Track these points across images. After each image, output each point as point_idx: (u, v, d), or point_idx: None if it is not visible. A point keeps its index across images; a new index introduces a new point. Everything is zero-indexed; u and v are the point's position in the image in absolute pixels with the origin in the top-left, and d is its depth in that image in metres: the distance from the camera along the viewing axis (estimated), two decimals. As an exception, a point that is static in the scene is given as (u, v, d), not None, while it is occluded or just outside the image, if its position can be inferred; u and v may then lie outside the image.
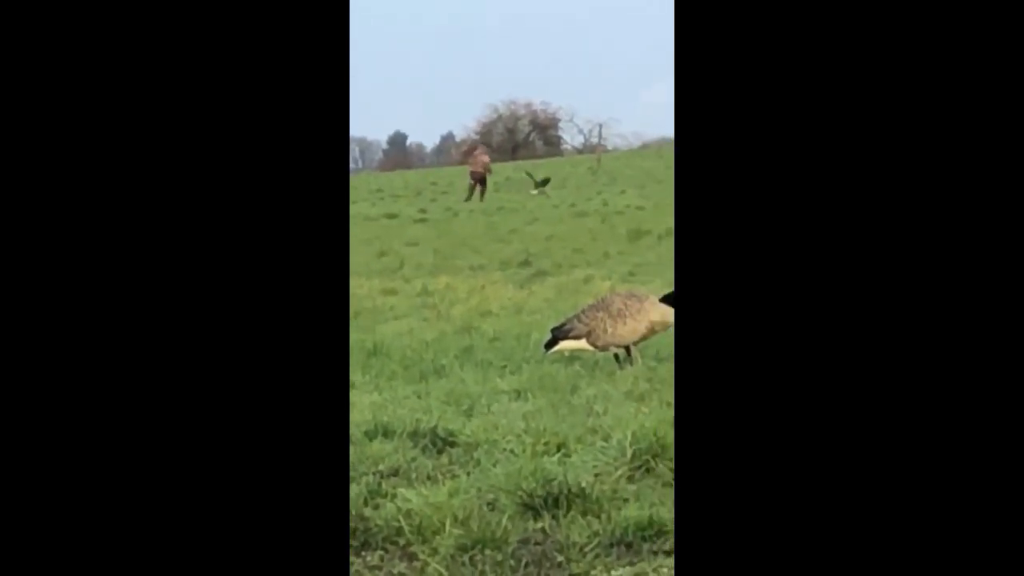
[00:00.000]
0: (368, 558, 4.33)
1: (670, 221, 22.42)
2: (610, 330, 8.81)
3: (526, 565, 4.15)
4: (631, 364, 8.74)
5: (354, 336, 8.85)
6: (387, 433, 6.04)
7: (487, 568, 4.18)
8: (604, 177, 43.98)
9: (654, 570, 4.04)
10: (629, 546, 4.30)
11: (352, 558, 4.29)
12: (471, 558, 4.27)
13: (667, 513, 4.47)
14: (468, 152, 40.41)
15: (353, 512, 4.55)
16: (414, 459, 5.64)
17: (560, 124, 78.70)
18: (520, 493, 4.70)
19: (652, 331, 8.92)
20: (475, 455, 5.66)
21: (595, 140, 67.20)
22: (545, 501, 4.63)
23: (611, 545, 4.30)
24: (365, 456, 5.64)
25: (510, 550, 4.28)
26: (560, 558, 4.21)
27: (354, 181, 48.68)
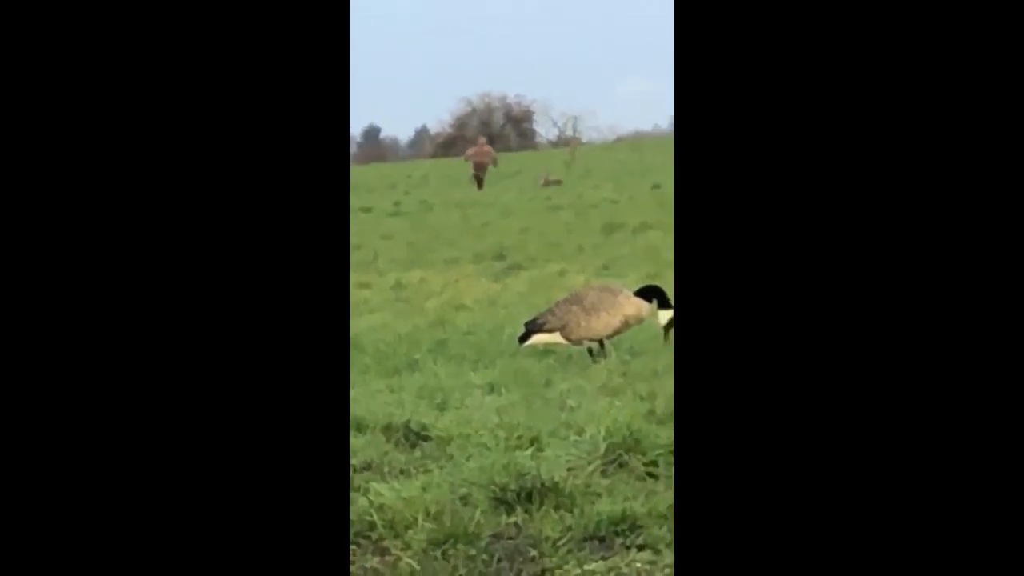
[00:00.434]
0: (340, 553, 4.32)
1: (645, 215, 22.46)
2: (584, 324, 8.81)
3: (499, 560, 4.15)
4: (605, 358, 8.75)
5: (327, 330, 8.82)
6: (360, 427, 6.03)
7: (459, 563, 4.17)
8: (579, 170, 43.99)
9: (627, 564, 4.04)
10: (602, 540, 4.30)
11: (324, 553, 4.27)
12: (444, 552, 4.26)
13: (640, 507, 4.47)
14: (473, 146, 40.68)
15: (325, 507, 4.54)
16: (387, 453, 5.63)
17: (534, 117, 78.72)
18: (493, 487, 4.69)
19: (626, 325, 8.93)
20: (448, 449, 5.65)
21: (570, 133, 67.26)
22: (518, 495, 4.63)
23: (584, 539, 4.30)
24: (338, 450, 5.62)
25: (483, 544, 4.28)
26: (533, 552, 4.21)
27: (328, 174, 48.35)
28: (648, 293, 9.04)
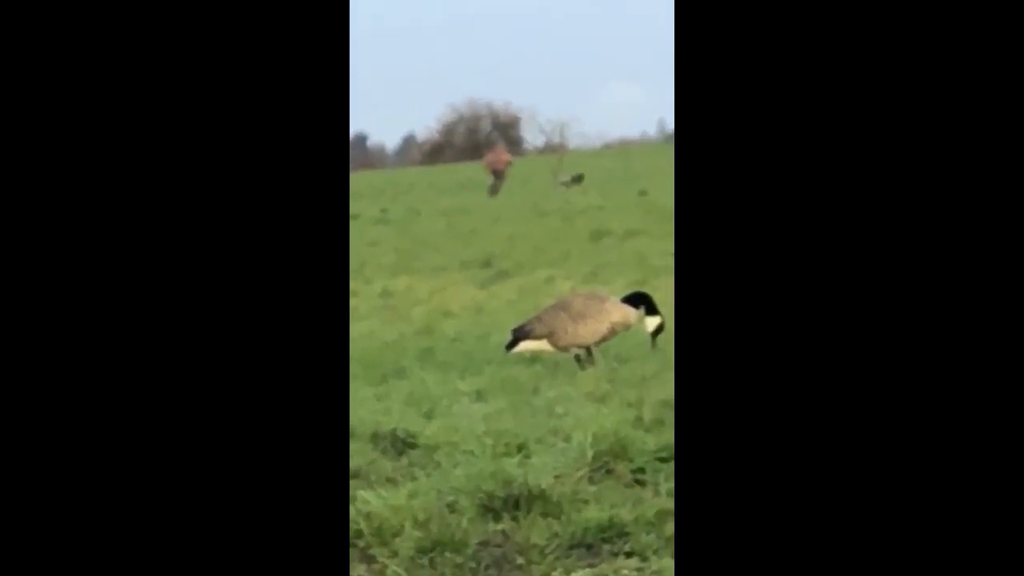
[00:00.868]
0: (327, 561, 4.31)
1: (632, 221, 22.48)
2: (571, 331, 8.81)
3: (486, 567, 4.14)
4: (592, 365, 8.75)
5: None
6: (347, 435, 6.02)
7: (447, 570, 4.17)
8: (566, 177, 44.01)
9: (614, 571, 4.04)
10: (589, 548, 4.29)
11: (311, 561, 4.26)
12: (431, 560, 4.25)
13: (627, 514, 4.47)
14: (488, 151, 40.99)
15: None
16: (374, 461, 5.62)
17: (521, 124, 78.67)
18: (480, 495, 4.69)
19: (613, 332, 8.93)
20: (435, 457, 5.65)
21: (557, 140, 67.25)
22: (505, 503, 4.63)
23: (571, 547, 4.30)
24: (325, 458, 5.61)
25: (470, 552, 4.27)
26: (520, 560, 4.21)
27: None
28: (635, 300, 9.04)
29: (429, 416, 6.76)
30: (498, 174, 38.06)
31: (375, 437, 5.98)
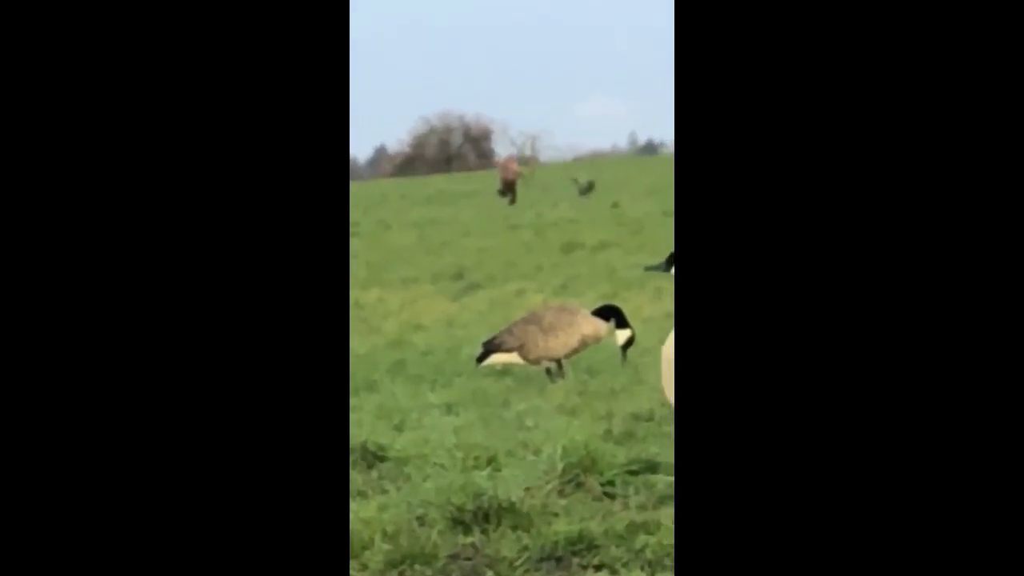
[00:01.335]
0: (297, 574, 4.29)
1: (603, 234, 22.50)
2: (542, 344, 8.82)
3: (456, 580, 4.14)
4: (562, 378, 8.76)
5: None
6: (317, 448, 6.00)
7: (416, 584, 4.17)
8: (537, 190, 44.05)
9: (584, 584, 4.05)
10: (559, 561, 4.30)
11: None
12: (401, 573, 4.25)
13: (597, 527, 4.48)
14: (503, 163, 41.18)
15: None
16: (344, 474, 5.61)
17: (493, 136, 78.75)
18: (450, 508, 4.69)
19: (584, 345, 8.95)
20: (405, 470, 5.65)
21: (528, 153, 67.35)
22: (475, 516, 4.63)
23: (541, 560, 4.30)
24: (295, 471, 5.59)
25: (440, 565, 4.28)
26: (490, 573, 4.21)
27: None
28: (606, 312, 9.06)
29: (399, 429, 6.76)
30: (507, 184, 38.22)
31: (345, 450, 5.97)
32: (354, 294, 15.38)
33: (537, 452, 5.63)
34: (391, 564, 4.28)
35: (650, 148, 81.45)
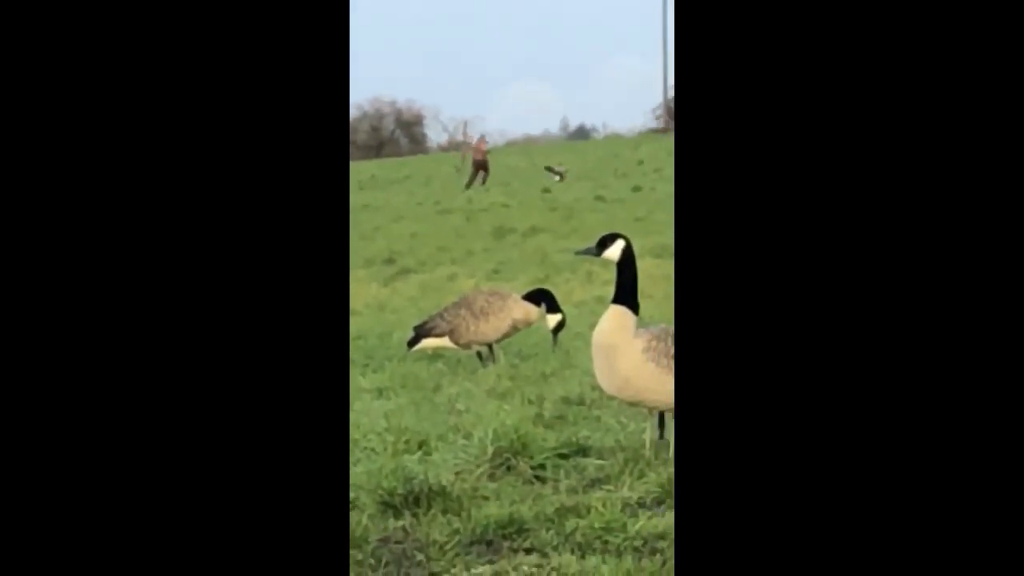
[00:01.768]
0: (225, 560, 4.27)
1: (535, 219, 22.54)
2: (473, 328, 8.82)
3: (386, 564, 4.13)
4: (493, 362, 8.77)
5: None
6: (247, 433, 5.96)
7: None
8: (468, 174, 44.03)
9: (514, 568, 4.04)
10: (489, 544, 4.29)
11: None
12: (330, 558, 4.23)
13: (527, 511, 4.48)
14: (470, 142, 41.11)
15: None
16: (274, 459, 5.58)
17: (425, 122, 78.62)
18: (380, 492, 4.67)
19: (515, 329, 8.96)
20: (336, 454, 5.62)
21: (460, 138, 67.28)
22: (406, 500, 4.62)
23: (471, 543, 4.30)
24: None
25: (370, 549, 4.26)
26: (420, 557, 4.20)
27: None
28: (537, 297, 9.07)
29: (330, 413, 6.72)
30: (479, 164, 38.21)
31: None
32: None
33: (468, 436, 5.62)
34: (321, 549, 4.26)
35: (582, 133, 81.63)
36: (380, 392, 7.49)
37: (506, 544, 4.28)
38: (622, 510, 4.46)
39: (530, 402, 6.77)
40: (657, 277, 13.29)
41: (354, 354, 9.16)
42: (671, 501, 4.60)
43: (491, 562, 4.12)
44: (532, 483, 5.03)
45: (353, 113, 78.85)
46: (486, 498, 4.74)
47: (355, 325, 10.92)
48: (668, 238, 17.64)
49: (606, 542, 4.19)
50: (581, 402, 6.75)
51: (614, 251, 5.37)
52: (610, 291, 5.41)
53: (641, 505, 4.63)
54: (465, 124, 67.86)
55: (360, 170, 44.42)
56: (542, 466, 5.16)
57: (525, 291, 9.38)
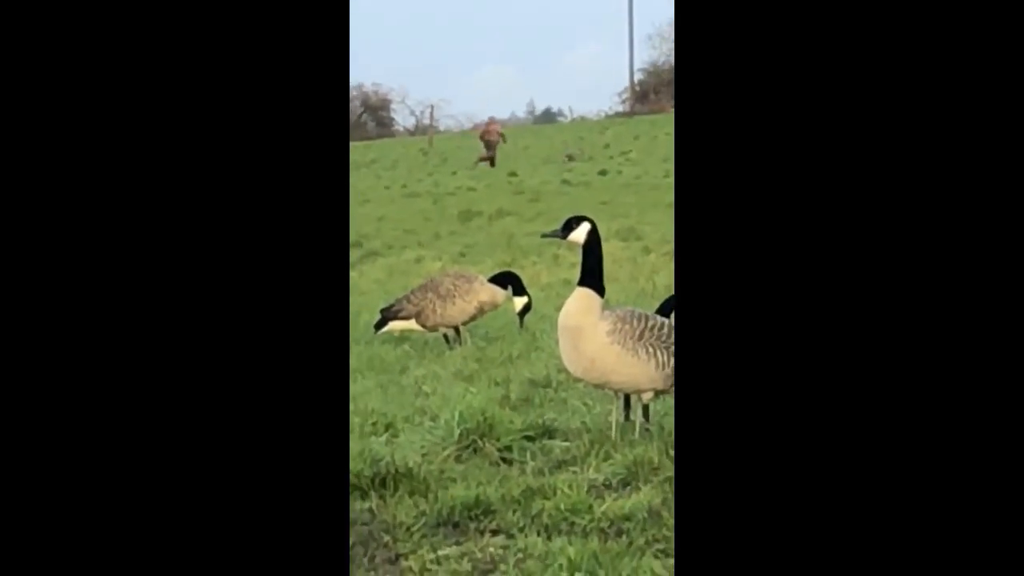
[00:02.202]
0: (192, 542, 4.27)
1: (501, 202, 22.54)
2: (439, 311, 8.83)
3: (353, 545, 4.14)
4: (460, 344, 8.78)
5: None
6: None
7: (313, 550, 4.15)
8: (436, 158, 43.96)
9: (480, 549, 4.06)
10: (456, 526, 4.31)
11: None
12: (297, 540, 4.23)
13: (494, 492, 4.49)
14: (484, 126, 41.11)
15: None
16: (240, 441, 5.57)
17: (392, 105, 78.37)
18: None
19: (481, 311, 8.97)
20: (302, 436, 5.62)
21: (427, 121, 67.18)
22: (372, 481, 4.62)
23: (438, 525, 4.31)
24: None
25: (336, 531, 4.26)
26: (387, 538, 4.20)
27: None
28: (503, 280, 9.09)
29: (296, 396, 6.71)
30: (490, 145, 38.28)
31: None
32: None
33: (434, 418, 5.63)
34: (287, 530, 4.26)
35: (548, 116, 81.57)
36: (347, 374, 7.49)
37: (472, 526, 4.29)
38: (588, 492, 4.48)
39: (496, 384, 6.79)
40: (623, 260, 13.33)
41: (320, 337, 9.15)
42: (636, 483, 4.62)
43: (457, 543, 4.14)
44: (498, 465, 5.04)
45: (319, 96, 78.53)
46: (453, 480, 4.75)
47: (321, 308, 10.91)
48: (633, 221, 17.68)
49: (572, 523, 4.21)
50: (547, 384, 6.77)
51: (579, 234, 5.38)
52: (576, 274, 5.43)
53: (607, 487, 4.65)
54: (432, 108, 67.80)
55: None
56: (508, 448, 5.17)
57: (491, 274, 9.39)
